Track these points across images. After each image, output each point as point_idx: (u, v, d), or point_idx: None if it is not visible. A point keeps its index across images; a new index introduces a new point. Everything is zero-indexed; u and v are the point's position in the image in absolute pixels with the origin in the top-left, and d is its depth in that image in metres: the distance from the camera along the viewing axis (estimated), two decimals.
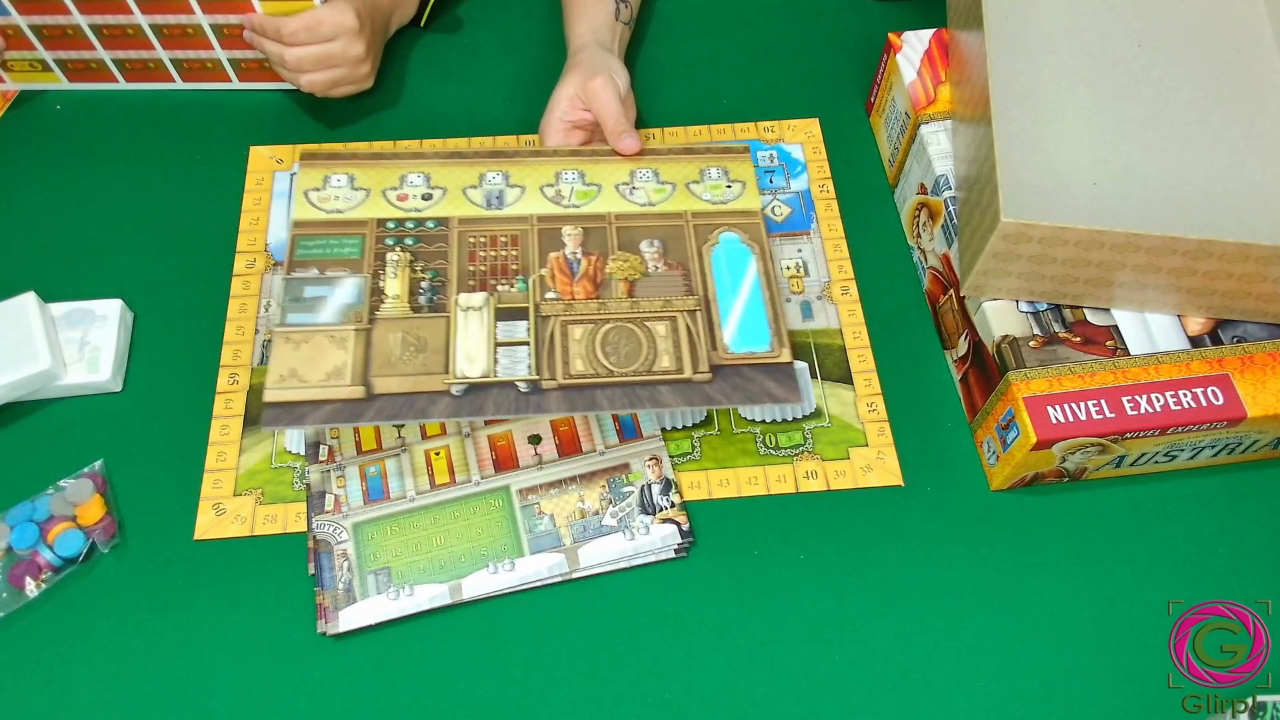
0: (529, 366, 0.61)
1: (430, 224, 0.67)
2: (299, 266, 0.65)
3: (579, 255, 0.66)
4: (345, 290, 0.64)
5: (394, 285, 0.64)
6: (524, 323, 0.63)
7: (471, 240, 0.67)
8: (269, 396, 0.59)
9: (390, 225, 0.67)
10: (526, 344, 0.62)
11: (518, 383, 0.61)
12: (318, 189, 0.69)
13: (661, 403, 0.60)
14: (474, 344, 0.62)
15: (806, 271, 0.75)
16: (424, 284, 0.64)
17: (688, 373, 0.62)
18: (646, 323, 0.64)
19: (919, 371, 0.71)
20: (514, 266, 0.66)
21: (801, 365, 0.67)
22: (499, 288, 0.65)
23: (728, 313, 0.65)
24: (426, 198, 0.69)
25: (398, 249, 0.66)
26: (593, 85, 0.72)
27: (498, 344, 0.62)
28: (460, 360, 0.61)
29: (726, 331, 0.64)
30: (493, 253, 0.66)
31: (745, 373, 0.62)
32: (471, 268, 0.65)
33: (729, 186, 0.71)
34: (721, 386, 0.61)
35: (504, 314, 0.64)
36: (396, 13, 0.85)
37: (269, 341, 0.72)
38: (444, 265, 0.65)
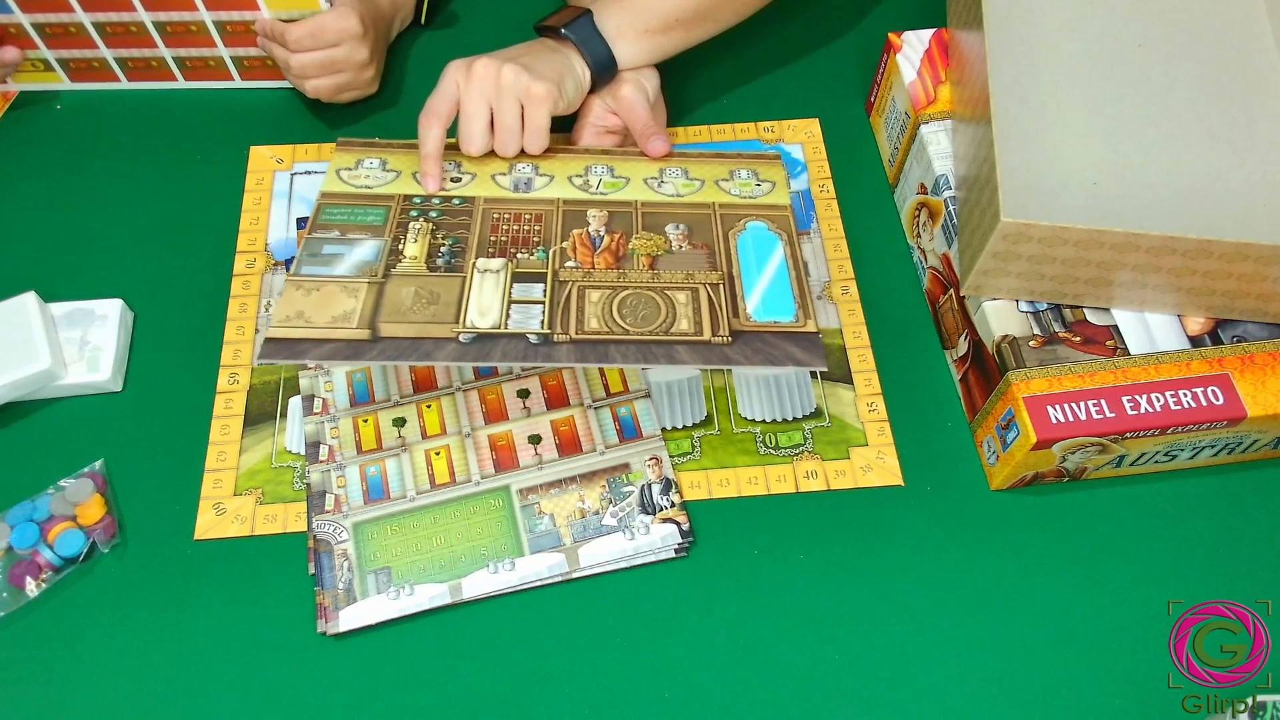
0: (541, 322, 0.61)
1: (456, 201, 0.68)
2: (321, 229, 0.65)
3: (602, 233, 0.66)
4: (363, 250, 0.64)
5: (413, 248, 0.64)
6: (541, 285, 0.63)
7: (495, 215, 0.67)
8: (271, 333, 0.59)
9: (416, 200, 0.68)
10: (541, 303, 0.62)
11: (528, 334, 0.60)
12: (350, 169, 0.70)
13: (677, 360, 0.60)
14: (488, 300, 0.62)
15: (806, 271, 0.75)
16: (443, 248, 0.64)
17: (706, 336, 0.61)
18: (667, 291, 0.63)
19: (919, 371, 0.71)
20: (535, 239, 0.66)
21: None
22: (518, 255, 0.65)
23: (752, 287, 0.64)
24: (455, 180, 0.69)
25: (421, 220, 0.66)
26: (621, 92, 0.73)
27: (512, 301, 0.62)
28: (472, 312, 0.61)
29: (750, 302, 0.63)
30: (515, 226, 0.66)
31: (767, 338, 0.61)
32: (493, 238, 0.66)
33: (759, 185, 0.72)
34: (741, 349, 0.60)
35: (521, 277, 0.63)
36: (398, 16, 0.85)
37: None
38: (465, 234, 0.65)
